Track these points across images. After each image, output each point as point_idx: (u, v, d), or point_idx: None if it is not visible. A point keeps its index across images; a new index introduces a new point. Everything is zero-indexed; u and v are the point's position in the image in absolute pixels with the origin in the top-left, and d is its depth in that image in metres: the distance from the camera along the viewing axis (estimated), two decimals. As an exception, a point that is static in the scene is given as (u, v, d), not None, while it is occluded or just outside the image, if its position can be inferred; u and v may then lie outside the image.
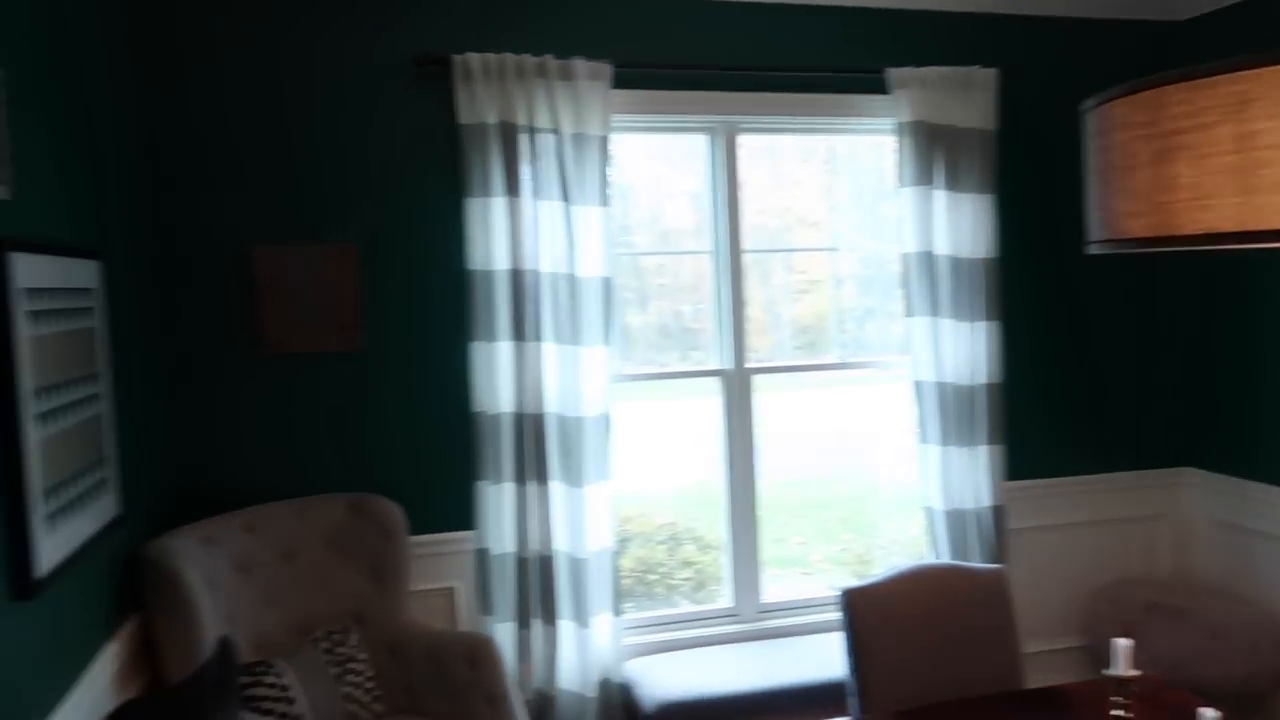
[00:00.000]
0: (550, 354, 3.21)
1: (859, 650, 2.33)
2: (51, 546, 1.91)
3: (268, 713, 2.61)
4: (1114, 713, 1.77)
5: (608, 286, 3.25)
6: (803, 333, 3.96)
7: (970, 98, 3.51)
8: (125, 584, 2.54)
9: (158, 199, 3.05)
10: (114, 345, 2.46)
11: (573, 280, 3.20)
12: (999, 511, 3.60)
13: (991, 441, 3.57)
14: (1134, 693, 1.80)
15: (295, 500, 3.05)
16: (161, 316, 3.07)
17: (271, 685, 2.66)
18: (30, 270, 1.85)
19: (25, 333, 1.81)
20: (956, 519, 3.58)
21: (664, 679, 3.21)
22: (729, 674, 3.24)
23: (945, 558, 3.57)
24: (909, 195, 3.50)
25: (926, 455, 3.58)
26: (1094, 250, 1.35)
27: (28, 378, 1.81)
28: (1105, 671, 1.83)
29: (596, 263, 3.23)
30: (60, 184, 2.19)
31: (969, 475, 3.57)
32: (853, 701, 2.36)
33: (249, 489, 3.10)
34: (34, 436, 1.83)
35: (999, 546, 3.59)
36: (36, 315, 1.87)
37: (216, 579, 2.72)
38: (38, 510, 1.83)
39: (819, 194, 4.03)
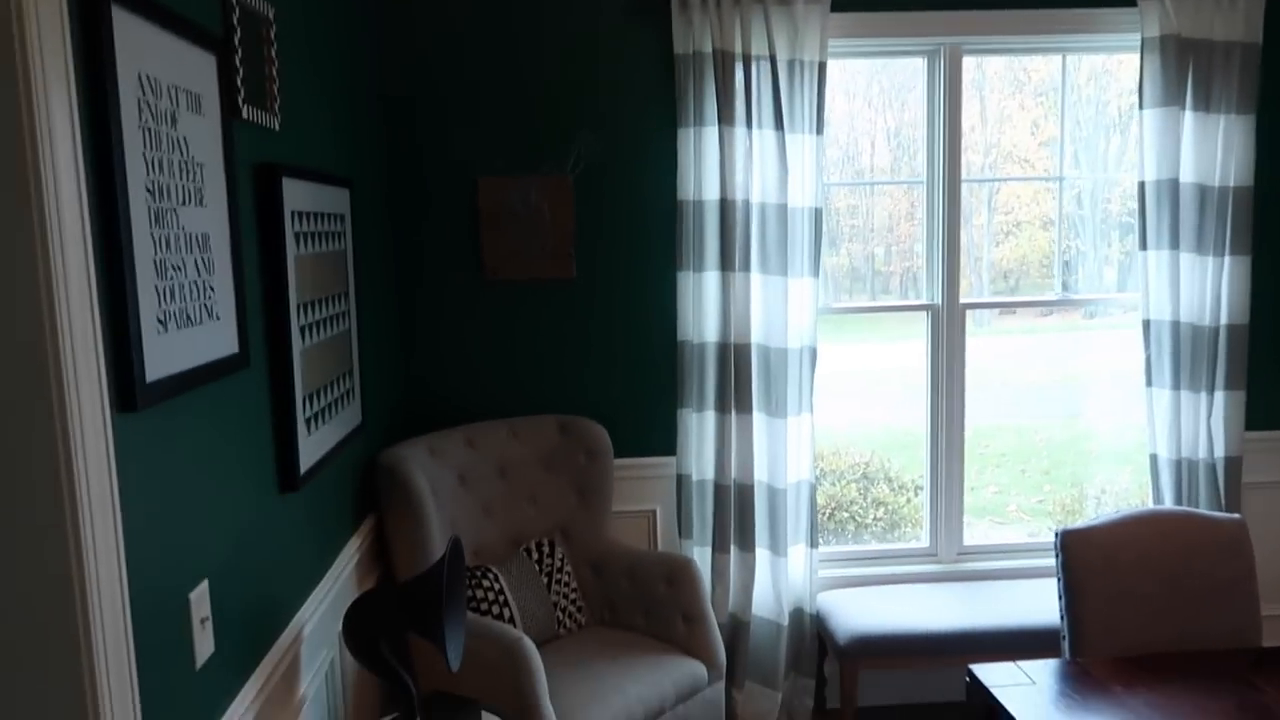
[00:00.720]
0: (756, 285, 3.21)
1: (1074, 594, 2.25)
2: (310, 447, 2.11)
3: (485, 613, 2.82)
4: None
5: (817, 217, 3.20)
6: (1002, 278, 3.78)
7: (1233, 8, 3.16)
8: (364, 487, 2.79)
9: (395, 133, 3.25)
10: (358, 268, 2.66)
11: (783, 210, 3.17)
12: (1234, 463, 3.34)
13: (1231, 387, 3.29)
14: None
15: (511, 419, 3.23)
16: (396, 242, 3.29)
17: (489, 589, 2.87)
18: (295, 195, 2.02)
19: (291, 251, 1.99)
20: (1184, 469, 3.35)
21: (858, 612, 3.21)
22: (926, 612, 3.20)
23: (1170, 505, 3.35)
24: (1152, 118, 3.22)
25: (1155, 400, 3.35)
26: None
27: (294, 292, 2.00)
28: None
29: (808, 193, 3.19)
30: (318, 117, 2.37)
31: (1201, 423, 3.32)
32: (1064, 646, 2.29)
33: (470, 406, 3.31)
34: (297, 346, 2.02)
35: (1231, 500, 3.34)
36: (299, 236, 2.05)
37: (441, 488, 2.93)
38: (301, 413, 2.03)
39: (1028, 128, 3.80)
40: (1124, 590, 2.24)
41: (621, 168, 3.30)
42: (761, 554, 3.31)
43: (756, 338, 3.23)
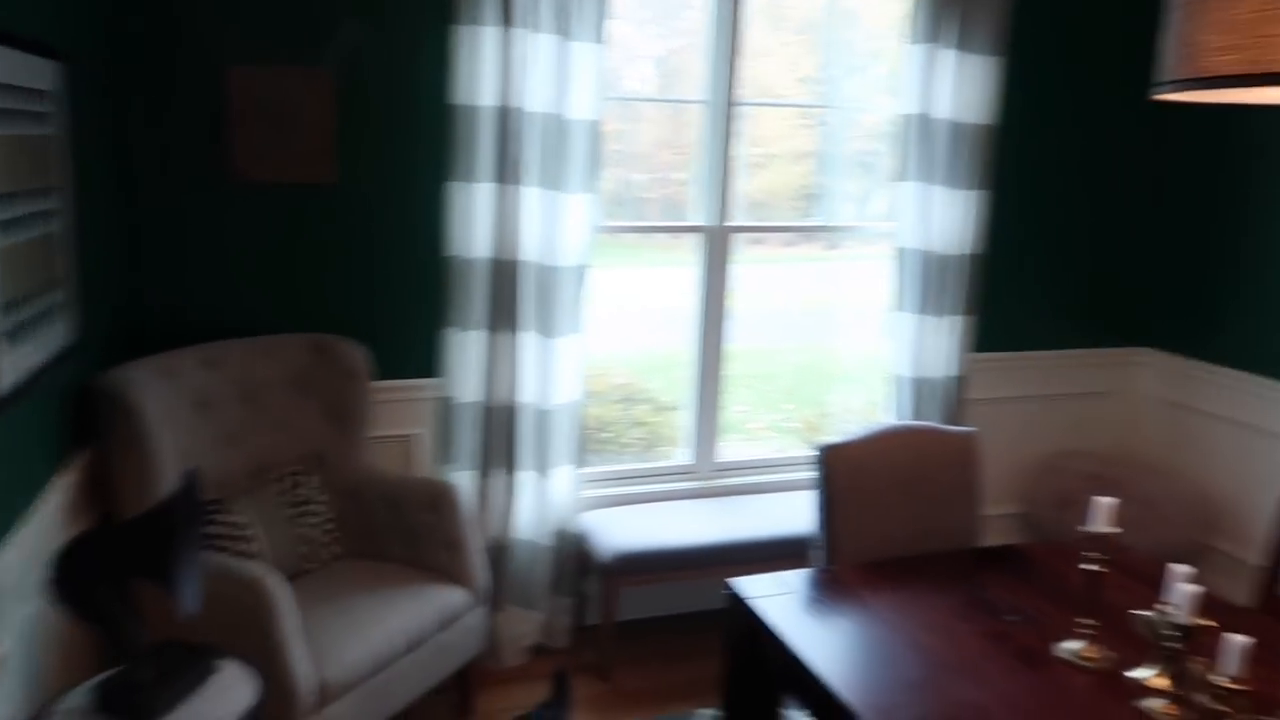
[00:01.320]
0: (532, 199, 3.08)
1: (831, 505, 2.36)
2: (2, 369, 1.79)
3: (223, 550, 2.58)
4: (1085, 566, 1.83)
5: (595, 131, 3.10)
6: (753, 210, 3.89)
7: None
8: (78, 416, 2.44)
9: (133, 6, 2.78)
10: (75, 160, 2.27)
11: (561, 122, 3.04)
12: (960, 382, 3.66)
13: (965, 313, 3.59)
14: (1109, 549, 1.85)
15: (258, 338, 2.94)
16: (129, 135, 2.84)
17: (227, 524, 2.62)
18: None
19: (-29, 131, 1.65)
20: (920, 388, 3.63)
21: (621, 530, 3.25)
22: (686, 527, 3.30)
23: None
24: (916, 53, 3.37)
25: (901, 324, 3.59)
26: (1164, 92, 1.29)
27: (-25, 182, 1.66)
28: (1082, 527, 1.88)
29: (587, 105, 3.07)
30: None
31: (940, 346, 3.60)
32: (817, 554, 2.41)
33: (211, 323, 2.97)
34: (-18, 248, 1.69)
35: (956, 416, 3.66)
36: (-18, 114, 1.70)
37: (174, 414, 2.62)
38: (-11, 328, 1.71)
39: (786, 64, 3.87)
40: (873, 500, 2.38)
41: (391, 64, 3.02)
42: (527, 476, 3.26)
43: (530, 254, 3.11)
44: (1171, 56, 1.27)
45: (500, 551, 3.23)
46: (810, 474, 3.00)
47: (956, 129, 3.43)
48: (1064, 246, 3.96)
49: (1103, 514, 1.82)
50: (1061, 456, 4.04)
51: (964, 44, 3.37)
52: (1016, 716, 1.64)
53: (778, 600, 2.07)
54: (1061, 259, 3.97)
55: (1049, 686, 1.74)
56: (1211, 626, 1.69)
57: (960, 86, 3.40)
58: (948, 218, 3.50)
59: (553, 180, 3.08)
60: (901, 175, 3.48)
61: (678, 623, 3.60)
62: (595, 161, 3.12)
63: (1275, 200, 3.59)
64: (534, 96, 3.01)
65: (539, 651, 3.34)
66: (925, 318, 3.57)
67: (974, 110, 3.43)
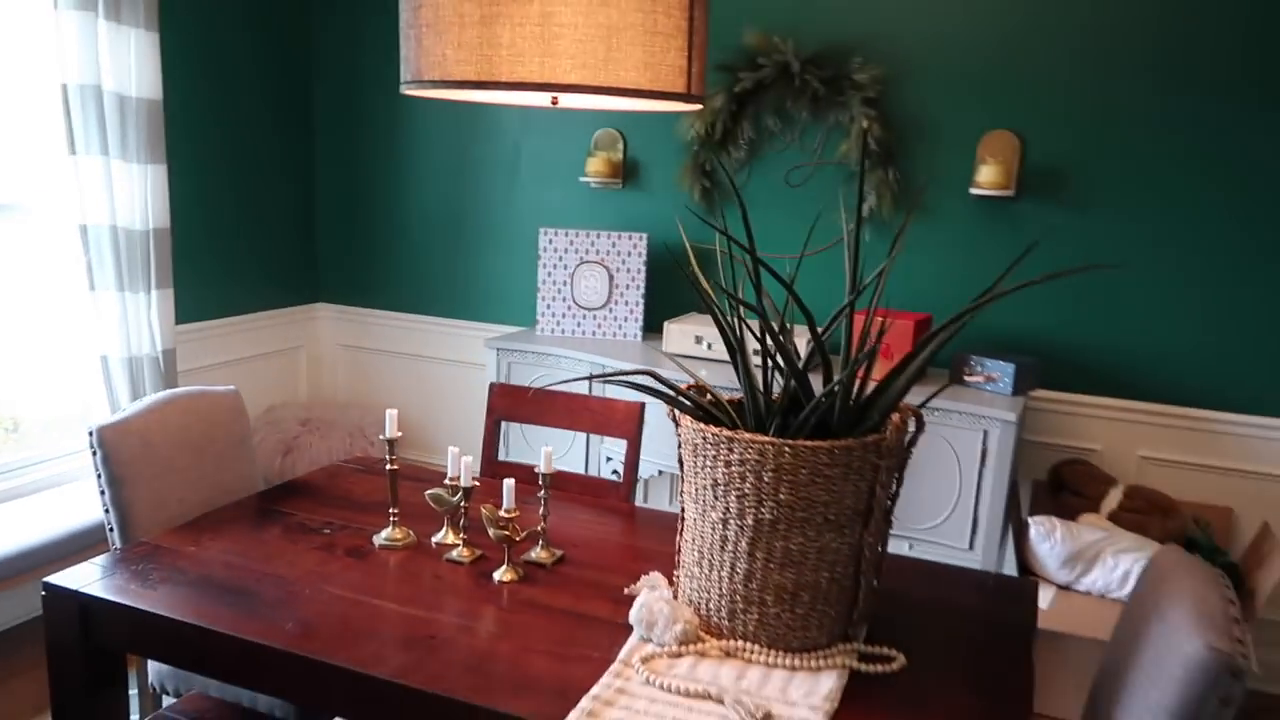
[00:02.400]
0: None
1: (120, 483, 2.33)
2: None
3: None
4: (390, 468, 2.26)
5: None
6: None
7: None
8: None
9: None
10: None
11: None
12: (171, 354, 3.71)
13: (163, 286, 3.62)
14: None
15: None
16: None
17: None
18: None
19: None
20: (131, 366, 3.57)
21: None
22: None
23: (125, 405, 3.55)
24: (71, 21, 3.20)
25: (100, 303, 3.46)
26: (415, 90, 1.70)
27: None
28: (381, 437, 2.29)
29: None
30: None
31: (144, 322, 3.58)
32: (113, 538, 2.37)
33: None
34: None
35: (171, 386, 3.71)
36: None
37: None
38: None
39: None
40: (165, 469, 2.42)
41: None
42: None
43: None
44: (419, 61, 1.71)
45: None
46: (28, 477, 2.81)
47: (123, 101, 3.39)
48: (248, 216, 4.28)
49: (392, 421, 2.26)
50: (275, 410, 4.41)
51: (118, 15, 3.34)
52: (366, 594, 2.00)
53: (111, 580, 2.03)
54: (248, 227, 4.28)
55: (380, 569, 2.13)
56: (479, 485, 2.28)
57: (119, 58, 3.36)
58: (131, 192, 3.48)
59: None
60: (74, 148, 3.33)
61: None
62: None
63: (411, 181, 4.46)
64: None
65: None
66: (125, 295, 3.52)
67: (139, 84, 3.43)
